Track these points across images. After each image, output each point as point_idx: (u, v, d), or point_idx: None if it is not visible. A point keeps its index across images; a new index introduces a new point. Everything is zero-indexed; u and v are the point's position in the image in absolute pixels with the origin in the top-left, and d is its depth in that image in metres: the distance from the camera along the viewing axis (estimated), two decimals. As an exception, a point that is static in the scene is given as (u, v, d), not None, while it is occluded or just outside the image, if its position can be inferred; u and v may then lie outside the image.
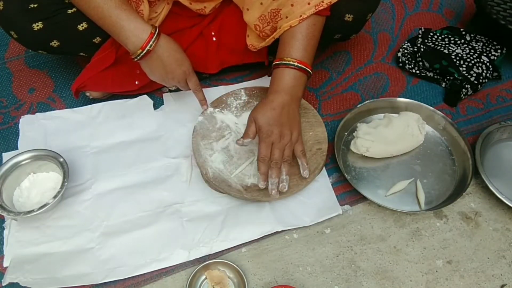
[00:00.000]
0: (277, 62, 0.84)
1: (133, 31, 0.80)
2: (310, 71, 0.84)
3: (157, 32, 0.82)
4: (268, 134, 0.81)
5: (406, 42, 1.17)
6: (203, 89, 0.95)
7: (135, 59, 0.84)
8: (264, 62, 1.04)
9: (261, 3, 0.87)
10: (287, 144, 0.83)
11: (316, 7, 0.80)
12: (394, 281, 0.82)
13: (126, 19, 0.80)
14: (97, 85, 0.98)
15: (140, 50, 0.82)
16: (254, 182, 0.87)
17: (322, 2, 0.80)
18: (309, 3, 0.80)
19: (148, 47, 0.81)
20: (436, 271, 0.83)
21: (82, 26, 0.90)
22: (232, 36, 1.00)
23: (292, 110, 0.84)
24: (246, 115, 0.96)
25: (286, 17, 0.83)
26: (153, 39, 0.81)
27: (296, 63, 0.82)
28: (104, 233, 0.84)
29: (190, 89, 0.94)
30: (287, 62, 0.82)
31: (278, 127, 0.81)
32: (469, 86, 1.05)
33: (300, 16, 0.81)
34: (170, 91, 1.06)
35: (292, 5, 0.82)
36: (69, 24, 0.89)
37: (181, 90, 0.97)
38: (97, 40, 0.95)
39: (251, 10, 0.90)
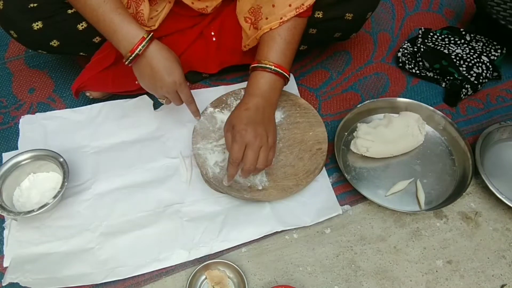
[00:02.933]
0: (255, 65, 0.83)
1: (125, 36, 0.79)
2: (288, 75, 0.84)
3: (149, 37, 0.80)
4: (242, 133, 0.76)
5: (406, 42, 1.17)
6: (203, 89, 0.95)
7: (126, 63, 0.82)
8: None
9: None
10: (262, 146, 0.77)
11: (297, 10, 0.80)
12: (394, 281, 0.82)
13: (119, 23, 0.79)
14: (97, 85, 0.98)
15: (129, 53, 0.80)
16: (254, 183, 0.87)
17: (303, 4, 0.80)
18: (290, 5, 0.80)
19: (137, 51, 0.79)
20: (436, 271, 0.83)
21: (82, 26, 0.90)
22: (232, 36, 1.00)
23: (267, 113, 0.82)
24: (246, 115, 0.97)
25: (267, 18, 0.83)
26: (142, 44, 0.79)
27: (273, 67, 0.81)
28: (104, 233, 0.84)
29: (181, 104, 0.89)
30: (264, 65, 0.82)
31: (253, 126, 0.77)
32: (469, 86, 1.05)
33: (281, 18, 0.81)
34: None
35: (273, 5, 0.81)
36: (69, 23, 0.89)
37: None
38: (97, 39, 0.95)
39: (242, 1, 0.89)
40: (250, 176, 0.81)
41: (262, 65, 0.82)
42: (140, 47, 0.79)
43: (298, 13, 0.80)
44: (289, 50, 0.84)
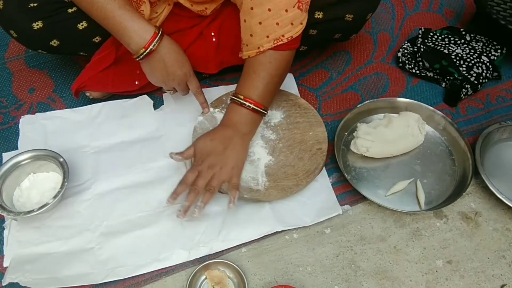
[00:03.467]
0: (234, 98, 0.85)
1: (137, 31, 0.80)
2: (266, 112, 0.86)
3: (160, 32, 0.82)
4: (198, 163, 0.82)
5: (406, 42, 1.18)
6: (203, 89, 0.95)
7: (137, 59, 0.84)
8: None
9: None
10: (213, 175, 0.81)
11: (275, 42, 0.79)
12: (394, 281, 0.82)
13: (129, 19, 0.80)
14: (97, 85, 0.98)
15: (143, 50, 0.81)
16: (254, 183, 0.87)
17: (282, 36, 0.78)
18: (267, 36, 0.79)
19: (151, 47, 0.81)
20: (436, 271, 0.83)
21: (82, 25, 0.90)
22: (232, 36, 0.99)
23: (234, 143, 0.84)
24: (246, 115, 0.97)
25: (247, 45, 0.83)
26: (156, 39, 0.81)
27: (252, 105, 0.83)
28: (104, 233, 0.84)
29: (187, 93, 0.94)
30: (243, 102, 0.83)
31: (209, 158, 0.82)
32: (469, 86, 1.05)
33: (258, 48, 0.81)
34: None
35: (251, 35, 0.80)
36: (69, 23, 0.89)
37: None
38: (97, 39, 0.94)
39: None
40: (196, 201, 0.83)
41: (242, 101, 0.84)
42: (154, 42, 0.81)
43: (276, 45, 0.79)
44: (271, 84, 0.85)
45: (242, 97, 0.84)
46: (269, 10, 0.77)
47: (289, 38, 0.79)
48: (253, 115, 0.85)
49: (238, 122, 0.85)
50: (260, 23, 0.78)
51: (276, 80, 0.86)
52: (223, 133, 0.85)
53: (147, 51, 0.81)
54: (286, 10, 0.77)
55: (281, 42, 0.79)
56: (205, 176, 0.81)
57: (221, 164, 0.82)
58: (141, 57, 0.83)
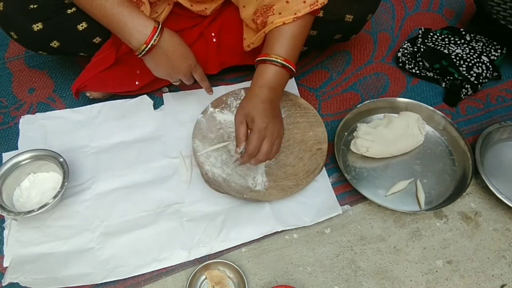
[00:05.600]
0: (263, 58, 0.83)
1: (137, 27, 0.80)
2: (294, 70, 0.84)
3: (160, 26, 0.82)
4: (263, 126, 0.79)
5: (406, 42, 1.18)
6: (203, 89, 0.96)
7: (140, 55, 0.84)
8: None
9: None
10: (276, 139, 0.81)
11: (311, 6, 0.80)
12: (394, 281, 0.82)
13: (128, 15, 0.80)
14: (97, 85, 0.98)
15: (144, 45, 0.81)
16: (254, 183, 0.87)
17: (317, 1, 0.80)
18: (304, 1, 0.79)
19: (152, 42, 0.81)
20: (436, 271, 0.83)
21: (82, 26, 0.90)
22: (232, 37, 1.00)
23: (277, 106, 0.84)
24: (246, 115, 0.97)
25: (280, 13, 0.82)
26: (156, 34, 0.81)
27: (281, 61, 0.81)
28: (104, 233, 0.84)
29: (192, 83, 0.95)
30: (273, 59, 0.81)
31: (272, 121, 0.80)
32: (469, 86, 1.05)
33: (295, 14, 0.80)
34: (170, 91, 1.06)
35: (287, 1, 0.81)
36: (69, 24, 0.89)
37: (180, 90, 0.96)
38: (97, 40, 0.94)
39: (247, 7, 0.89)
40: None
41: (271, 58, 0.82)
42: (154, 37, 0.81)
43: (312, 9, 0.80)
44: (297, 46, 0.84)
45: (272, 55, 0.82)
46: None
47: (322, 4, 0.80)
48: (283, 73, 0.83)
49: (272, 81, 0.82)
50: None
51: (301, 43, 0.85)
52: (266, 95, 0.81)
53: (149, 46, 0.81)
54: None
55: (316, 7, 0.80)
56: (272, 141, 0.80)
57: (279, 127, 0.83)
58: (143, 53, 0.83)
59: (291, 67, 0.83)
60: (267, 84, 0.82)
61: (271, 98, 0.81)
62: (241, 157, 0.81)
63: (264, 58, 0.82)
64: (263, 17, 0.86)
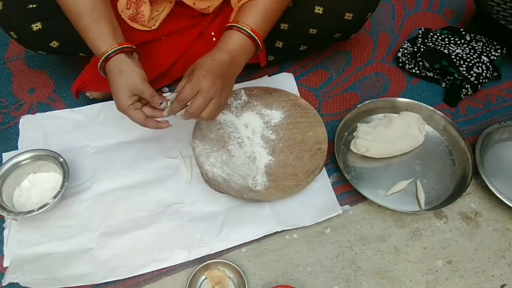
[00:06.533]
0: (231, 24, 0.81)
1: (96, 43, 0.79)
2: (260, 44, 0.82)
3: (106, 56, 0.77)
4: (200, 78, 0.74)
5: (406, 42, 1.18)
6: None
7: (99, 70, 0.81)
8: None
9: None
10: (213, 99, 0.75)
11: None
12: (394, 281, 0.82)
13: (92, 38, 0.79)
14: (97, 85, 0.98)
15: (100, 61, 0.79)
16: (254, 183, 0.87)
17: None
18: None
19: (99, 64, 0.79)
20: (436, 271, 0.83)
21: (82, 26, 0.90)
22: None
23: (231, 72, 0.80)
24: (246, 115, 0.97)
25: None
26: (103, 59, 0.78)
27: (249, 30, 0.80)
28: (104, 233, 0.84)
29: (143, 120, 0.81)
30: (240, 26, 0.80)
31: (213, 76, 0.75)
32: (469, 86, 1.05)
33: None
34: (170, 91, 1.06)
35: None
36: (68, 24, 0.89)
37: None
38: (97, 40, 0.94)
39: None
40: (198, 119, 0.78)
41: (238, 25, 0.80)
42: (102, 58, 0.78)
43: None
44: (268, 19, 0.83)
45: (240, 23, 0.80)
46: None
47: None
48: (248, 43, 0.81)
49: (233, 48, 0.80)
50: None
51: (273, 19, 0.83)
52: (221, 56, 0.78)
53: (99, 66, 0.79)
54: None
55: None
56: (206, 98, 0.75)
57: (222, 89, 0.76)
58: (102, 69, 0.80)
59: (258, 39, 0.81)
60: (226, 48, 0.80)
61: (224, 60, 0.78)
62: (172, 105, 0.77)
63: (231, 24, 0.81)
64: None
